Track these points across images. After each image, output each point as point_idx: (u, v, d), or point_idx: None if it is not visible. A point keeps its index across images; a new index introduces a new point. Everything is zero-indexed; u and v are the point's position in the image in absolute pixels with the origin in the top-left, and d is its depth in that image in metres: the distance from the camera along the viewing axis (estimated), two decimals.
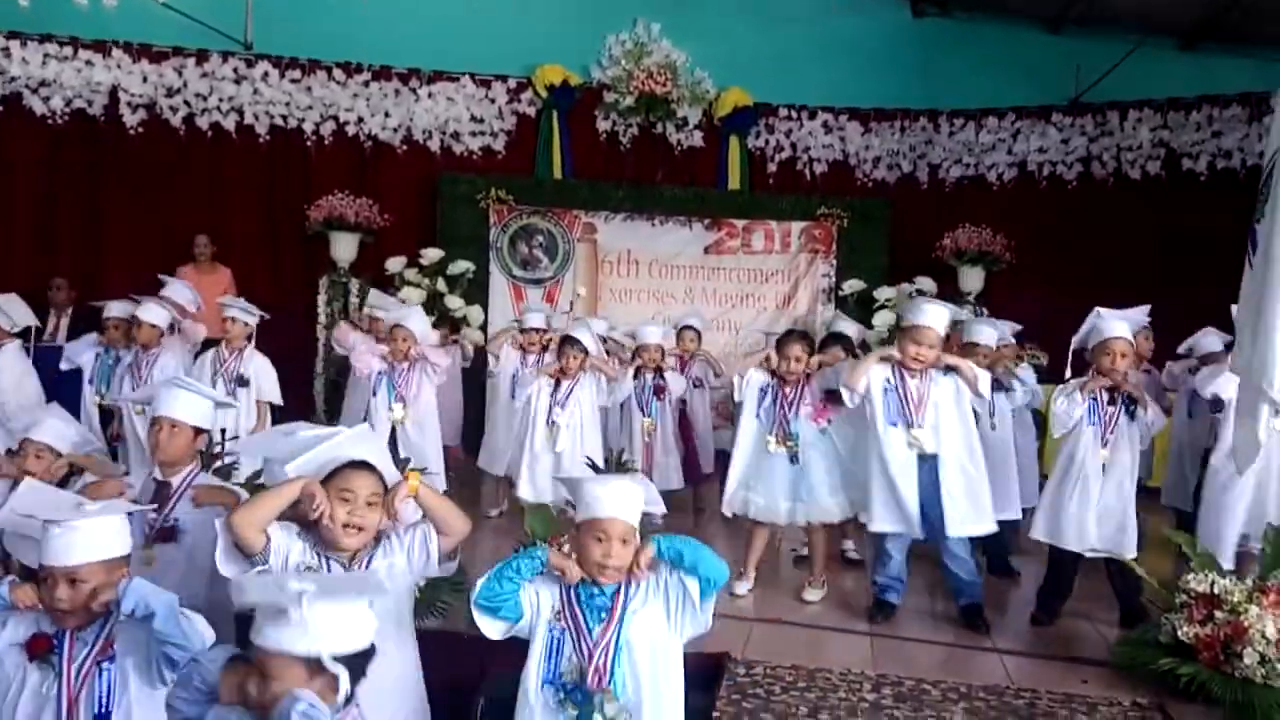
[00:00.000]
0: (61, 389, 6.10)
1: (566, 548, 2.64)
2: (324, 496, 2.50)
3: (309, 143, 9.19)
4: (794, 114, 9.74)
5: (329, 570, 2.50)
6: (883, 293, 8.87)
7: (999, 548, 5.62)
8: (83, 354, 6.17)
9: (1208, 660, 3.78)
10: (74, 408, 5.97)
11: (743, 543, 5.24)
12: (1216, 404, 5.01)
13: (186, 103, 8.88)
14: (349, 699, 1.99)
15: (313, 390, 8.62)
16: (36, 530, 2.48)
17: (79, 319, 7.78)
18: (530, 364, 6.56)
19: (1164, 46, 8.86)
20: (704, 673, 3.75)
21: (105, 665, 2.36)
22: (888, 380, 4.60)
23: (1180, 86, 8.92)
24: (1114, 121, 9.18)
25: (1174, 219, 8.55)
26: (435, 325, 7.57)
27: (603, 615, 2.42)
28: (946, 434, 4.56)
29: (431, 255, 8.77)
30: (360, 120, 9.22)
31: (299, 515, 2.54)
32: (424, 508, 2.57)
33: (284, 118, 9.10)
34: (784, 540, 5.78)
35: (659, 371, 6.58)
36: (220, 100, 8.93)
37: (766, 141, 9.78)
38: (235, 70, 8.95)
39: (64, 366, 6.16)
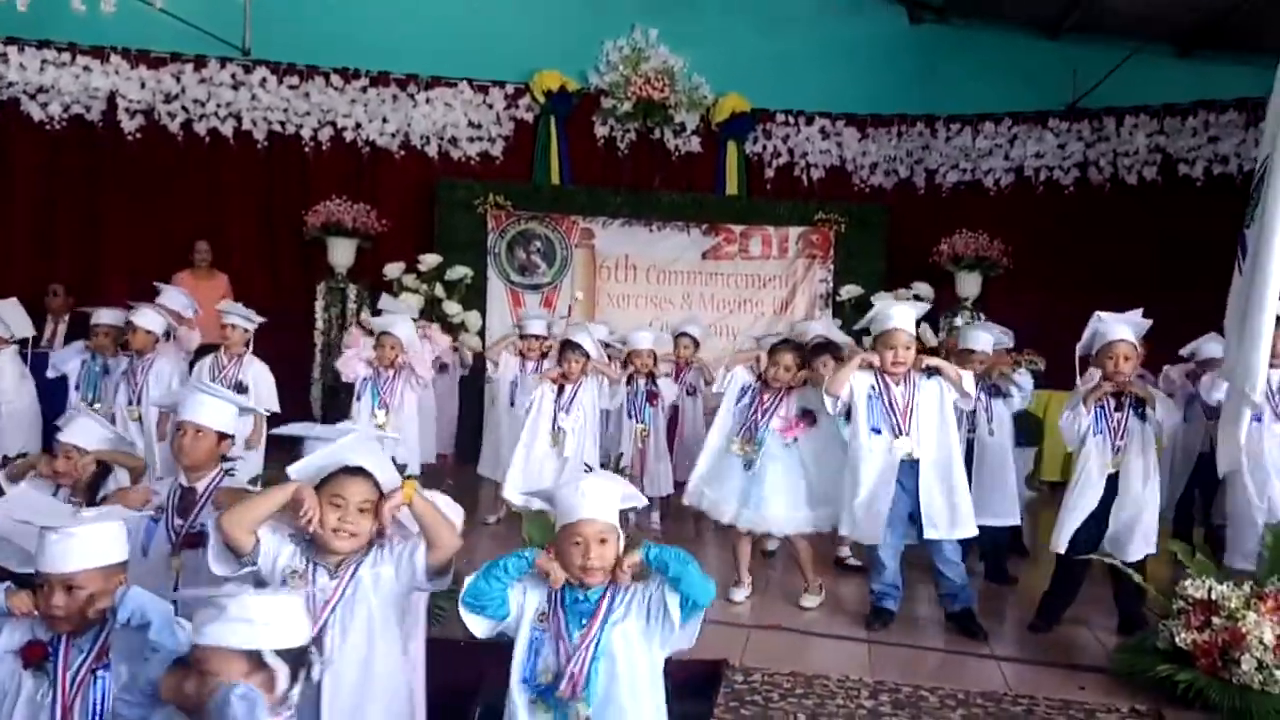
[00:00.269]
0: (52, 396, 6.13)
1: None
2: (314, 502, 2.49)
3: (307, 148, 9.20)
4: (791, 119, 9.76)
5: (315, 576, 2.49)
6: (880, 298, 8.87)
7: (996, 554, 5.62)
8: (69, 361, 6.17)
9: (1205, 667, 3.77)
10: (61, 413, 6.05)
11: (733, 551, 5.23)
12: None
13: (184, 108, 8.90)
14: (286, 699, 2.00)
15: (310, 397, 8.61)
16: (21, 535, 2.48)
17: (75, 325, 7.77)
18: (529, 370, 6.56)
19: (1161, 52, 8.89)
20: (701, 680, 3.74)
21: (100, 673, 2.35)
22: (872, 388, 4.58)
23: (1177, 92, 8.95)
24: (1111, 127, 9.21)
25: (1171, 224, 8.57)
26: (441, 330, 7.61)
27: (584, 620, 2.42)
28: (929, 438, 4.55)
29: (429, 261, 8.77)
30: (358, 126, 9.24)
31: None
32: (416, 516, 2.55)
33: (282, 123, 9.12)
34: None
35: (651, 377, 6.57)
36: (218, 106, 8.95)
37: (764, 147, 9.81)
38: (233, 76, 8.97)
39: (50, 374, 6.16)
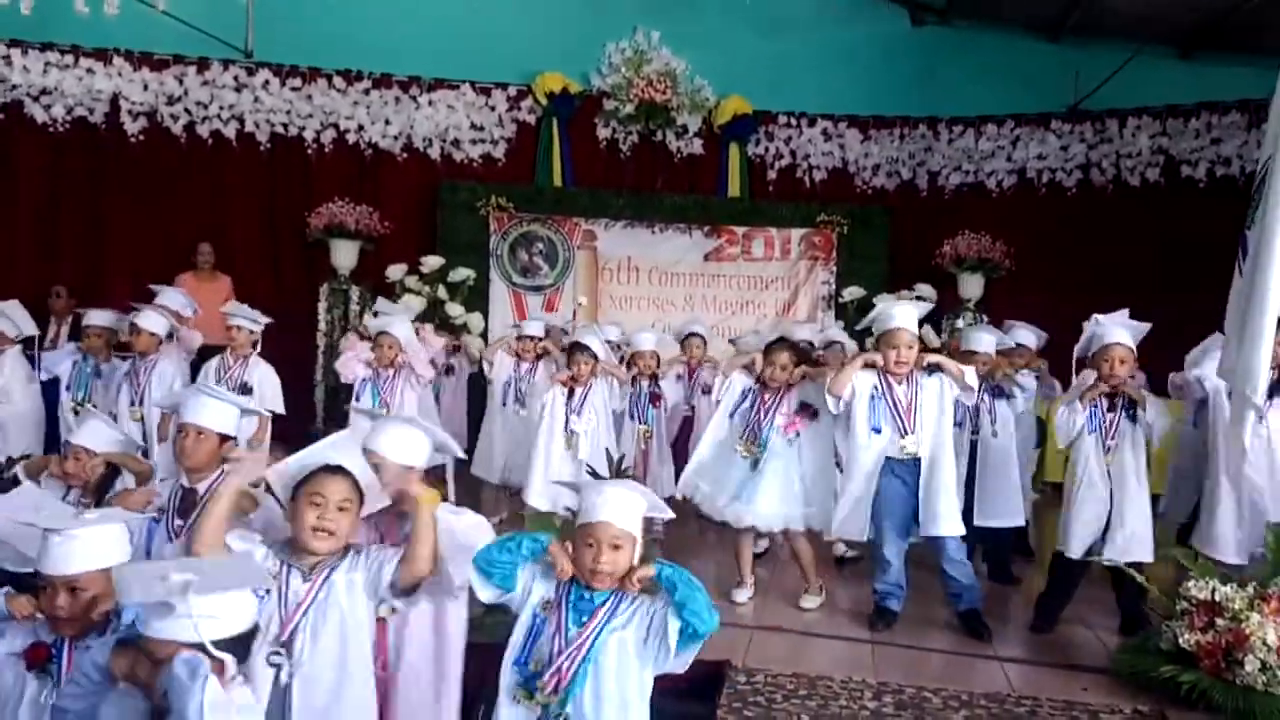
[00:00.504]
0: (49, 397, 6.17)
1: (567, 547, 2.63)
2: (251, 463, 2.55)
3: (309, 150, 9.21)
4: (794, 121, 9.76)
5: (288, 578, 2.48)
6: (882, 300, 8.87)
7: (1000, 554, 5.62)
8: (60, 363, 6.20)
9: (1209, 668, 3.78)
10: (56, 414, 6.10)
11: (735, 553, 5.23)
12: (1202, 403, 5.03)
13: (187, 110, 8.91)
14: (236, 674, 2.04)
15: (313, 398, 8.62)
16: (19, 537, 2.48)
17: (78, 327, 7.77)
18: (524, 371, 6.56)
19: (1162, 54, 8.88)
20: (704, 680, 3.74)
21: None
22: (875, 387, 4.61)
23: (1179, 94, 8.93)
24: (1113, 129, 9.19)
25: (1173, 226, 8.55)
26: (436, 330, 7.61)
27: (583, 619, 2.41)
28: (929, 437, 4.58)
29: (432, 263, 8.78)
30: (361, 128, 9.24)
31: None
32: (415, 525, 2.53)
33: (284, 125, 9.13)
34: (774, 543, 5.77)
35: (654, 379, 6.57)
36: (221, 108, 8.96)
37: (766, 149, 9.80)
38: (236, 78, 8.98)
39: (43, 376, 6.19)
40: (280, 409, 6.20)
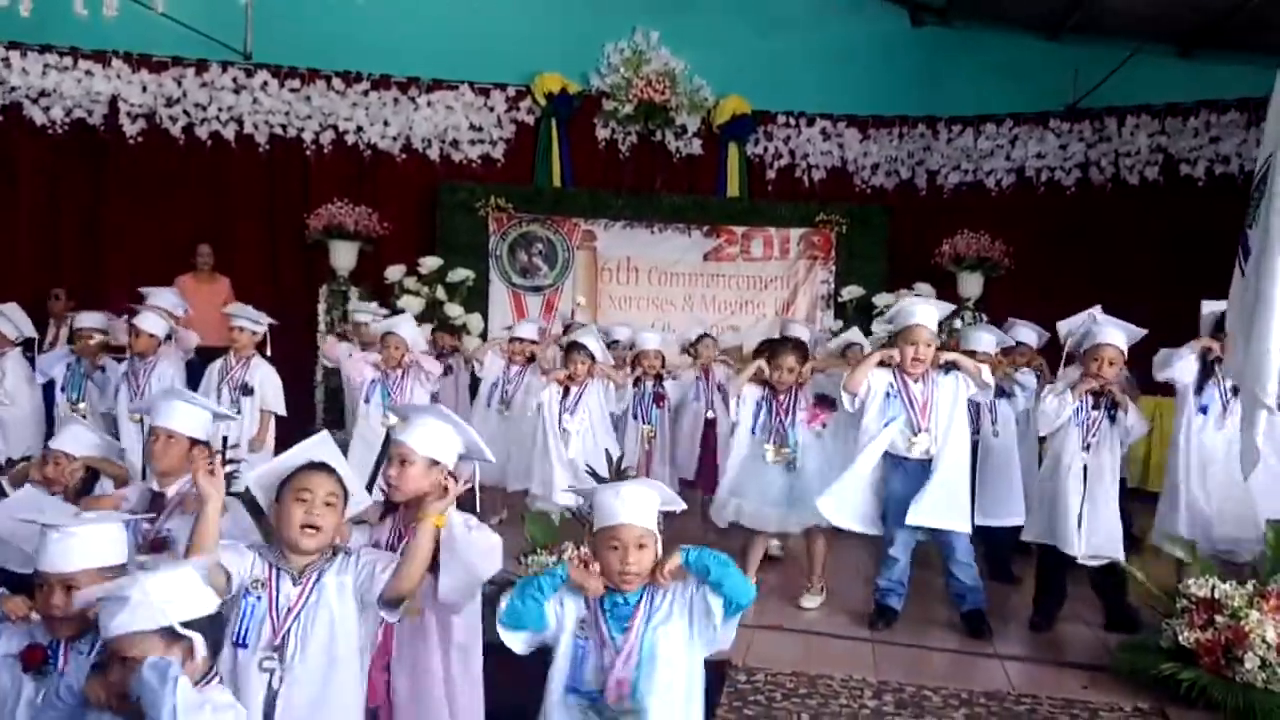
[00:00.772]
0: (46, 400, 6.20)
1: (582, 553, 2.60)
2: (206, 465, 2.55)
3: (308, 152, 9.22)
4: (793, 121, 9.76)
5: (279, 583, 2.45)
6: (882, 299, 8.88)
7: (1000, 553, 5.62)
8: (54, 366, 6.22)
9: (1209, 665, 3.77)
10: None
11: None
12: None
13: (186, 112, 8.91)
14: (211, 670, 2.02)
15: (313, 399, 8.62)
16: (21, 537, 2.48)
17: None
18: (512, 374, 6.55)
19: (1162, 52, 8.87)
20: (704, 680, 3.73)
21: None
22: (890, 385, 4.61)
23: (1178, 92, 8.93)
24: (1112, 127, 9.19)
25: (1172, 224, 8.56)
26: (434, 332, 7.61)
27: (625, 625, 2.41)
28: (943, 435, 4.57)
29: (430, 263, 8.78)
30: (359, 129, 9.25)
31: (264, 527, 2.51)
32: (415, 540, 2.49)
33: (283, 127, 9.13)
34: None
35: (659, 379, 6.56)
36: (220, 110, 8.97)
37: (765, 149, 9.80)
38: (234, 80, 8.99)
39: (39, 379, 6.20)
40: (281, 410, 6.22)
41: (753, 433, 5.01)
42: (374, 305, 7.77)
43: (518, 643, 2.45)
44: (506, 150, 9.56)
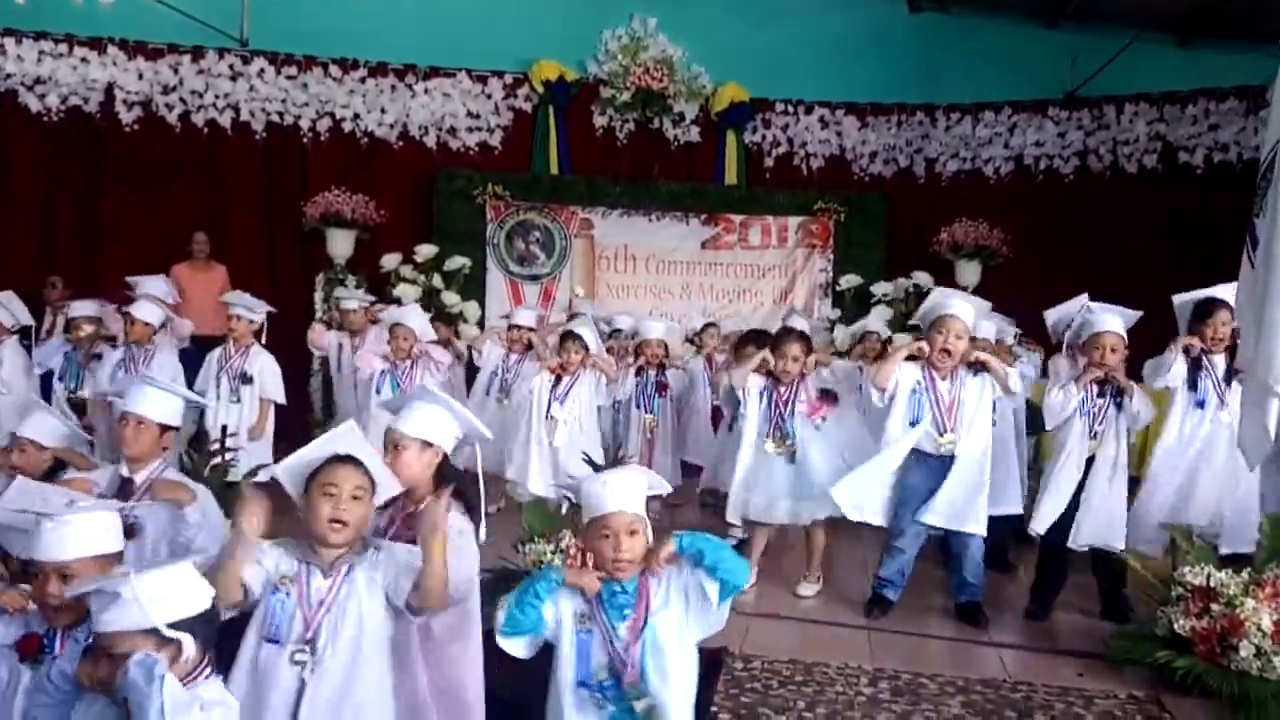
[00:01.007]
0: (43, 389, 6.15)
1: (573, 546, 2.59)
2: (257, 511, 2.37)
3: (305, 139, 9.18)
4: (791, 109, 9.73)
5: (309, 578, 2.44)
6: (880, 287, 8.90)
7: (998, 542, 5.62)
8: (51, 356, 6.23)
9: (1204, 653, 3.79)
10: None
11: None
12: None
13: (182, 100, 8.88)
14: (203, 665, 2.02)
15: (309, 387, 8.61)
16: (25, 523, 2.48)
17: None
18: (511, 362, 6.54)
19: (1160, 40, 8.85)
20: (701, 667, 3.73)
21: None
22: (918, 382, 4.58)
23: (1177, 80, 8.91)
24: (1110, 115, 9.17)
25: (1171, 212, 8.56)
26: (431, 321, 7.60)
27: (625, 613, 2.42)
28: (967, 434, 4.56)
29: (427, 251, 8.77)
30: (356, 116, 9.22)
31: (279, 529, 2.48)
32: (430, 560, 2.41)
33: (280, 114, 9.10)
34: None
35: (661, 368, 6.55)
36: (216, 97, 8.93)
37: (763, 136, 9.77)
38: (231, 67, 8.95)
39: (37, 370, 6.20)
40: (281, 399, 6.23)
41: (757, 425, 5.00)
42: (360, 292, 7.78)
43: (520, 648, 2.45)
44: (504, 138, 9.54)
